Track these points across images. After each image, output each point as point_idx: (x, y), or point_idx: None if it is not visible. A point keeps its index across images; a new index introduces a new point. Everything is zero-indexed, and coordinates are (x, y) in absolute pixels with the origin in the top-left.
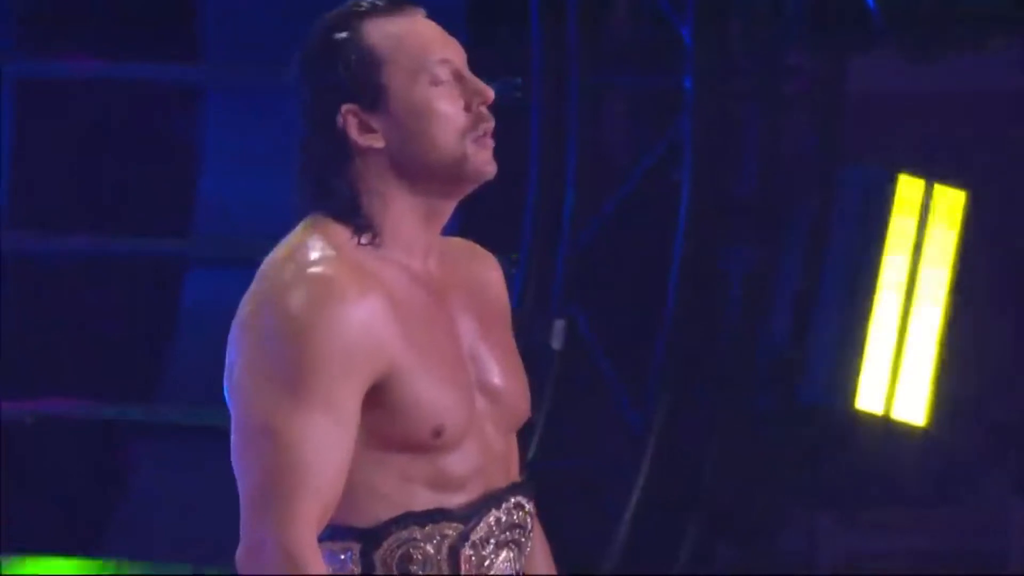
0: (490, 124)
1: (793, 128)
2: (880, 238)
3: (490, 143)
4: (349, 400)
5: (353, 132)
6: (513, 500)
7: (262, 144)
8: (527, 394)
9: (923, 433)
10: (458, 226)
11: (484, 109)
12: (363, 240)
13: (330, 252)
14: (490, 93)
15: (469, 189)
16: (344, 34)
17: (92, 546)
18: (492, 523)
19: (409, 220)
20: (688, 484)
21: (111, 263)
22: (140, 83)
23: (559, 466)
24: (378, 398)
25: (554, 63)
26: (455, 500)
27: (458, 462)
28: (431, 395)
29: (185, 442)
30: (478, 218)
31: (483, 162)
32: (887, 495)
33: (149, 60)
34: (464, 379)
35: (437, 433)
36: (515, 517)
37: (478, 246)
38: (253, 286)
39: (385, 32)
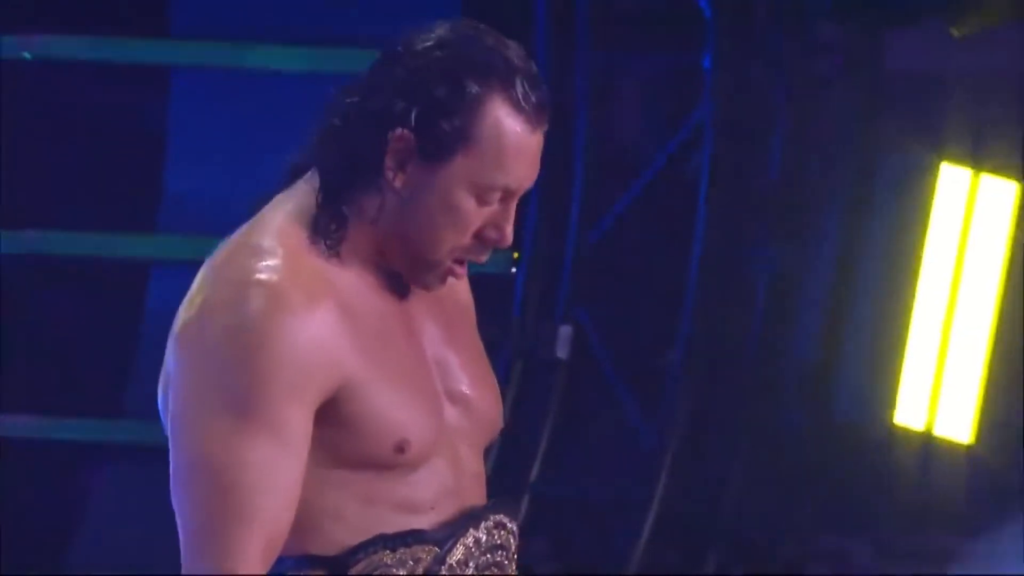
0: (481, 259)
1: (825, 112)
2: (921, 235)
3: (464, 269)
4: (297, 421)
5: (391, 154)
6: (493, 519)
7: (236, 131)
8: (499, 402)
9: (968, 452)
10: None
11: (491, 248)
12: (322, 245)
13: (279, 255)
14: (508, 242)
15: (418, 287)
16: (469, 85)
17: (51, 568)
18: (471, 544)
19: (369, 252)
20: (708, 509)
21: (68, 263)
22: (100, 62)
23: (564, 488)
24: (333, 413)
25: (558, 40)
26: (428, 521)
27: (427, 480)
28: (392, 408)
29: (151, 462)
30: None
31: (443, 280)
32: (928, 521)
33: (110, 34)
34: (429, 389)
35: (400, 448)
36: (496, 538)
37: None
38: (193, 289)
39: (498, 122)
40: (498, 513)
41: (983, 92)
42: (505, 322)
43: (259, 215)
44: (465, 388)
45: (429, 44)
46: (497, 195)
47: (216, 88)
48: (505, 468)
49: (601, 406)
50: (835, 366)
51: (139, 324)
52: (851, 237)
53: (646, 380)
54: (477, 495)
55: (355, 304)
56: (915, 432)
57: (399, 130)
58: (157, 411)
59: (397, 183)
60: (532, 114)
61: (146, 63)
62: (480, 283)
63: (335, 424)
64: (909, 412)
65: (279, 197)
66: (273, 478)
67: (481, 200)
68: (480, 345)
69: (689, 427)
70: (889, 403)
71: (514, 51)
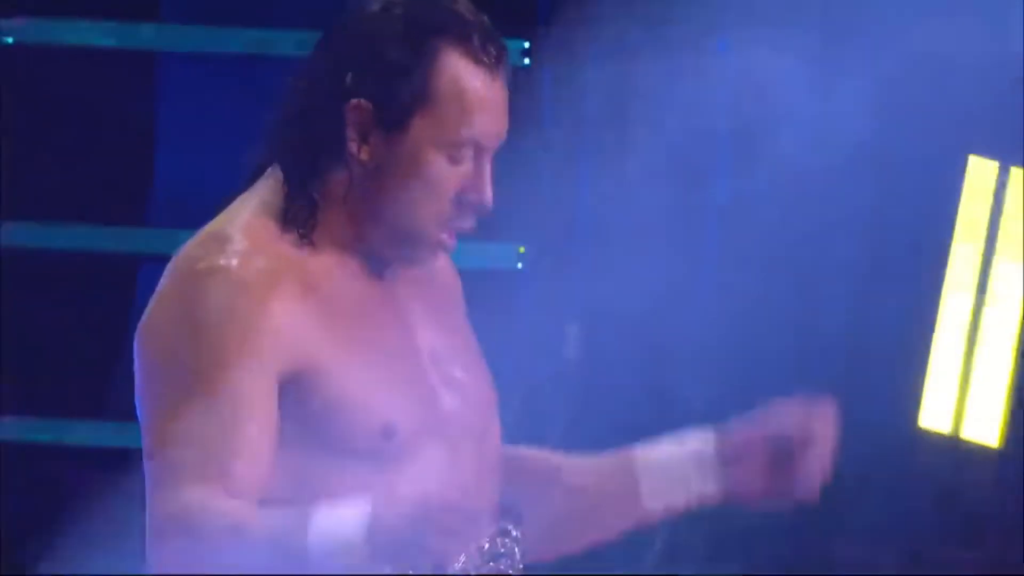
0: (466, 226)
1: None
2: (947, 230)
3: (452, 239)
4: (252, 382)
5: (351, 127)
6: (498, 525)
7: (228, 120)
8: (493, 390)
9: (997, 456)
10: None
11: (475, 210)
12: (295, 235)
13: (239, 243)
14: (489, 204)
15: (405, 264)
16: (422, 43)
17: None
18: (473, 552)
19: (346, 237)
20: (725, 512)
21: (52, 258)
22: (86, 47)
23: None
24: (310, 397)
25: (567, 20)
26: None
27: (425, 472)
28: (375, 392)
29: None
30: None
31: (439, 253)
32: (956, 529)
33: (97, 18)
34: (419, 375)
35: (387, 433)
36: (500, 546)
37: None
38: (160, 284)
39: (456, 76)
40: (503, 519)
41: (1009, 78)
42: (511, 320)
43: (225, 211)
44: (458, 373)
45: (375, 10)
46: (468, 152)
47: (208, 75)
48: None
49: (613, 411)
50: (859, 366)
51: (127, 322)
52: (874, 232)
53: (662, 382)
54: (485, 494)
55: (328, 290)
56: (942, 435)
57: (355, 101)
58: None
59: (363, 156)
60: (490, 64)
61: (134, 48)
62: (485, 279)
63: (316, 408)
64: (935, 415)
65: (243, 195)
66: (236, 436)
67: (452, 159)
68: (469, 330)
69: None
70: (915, 405)
71: (463, 4)
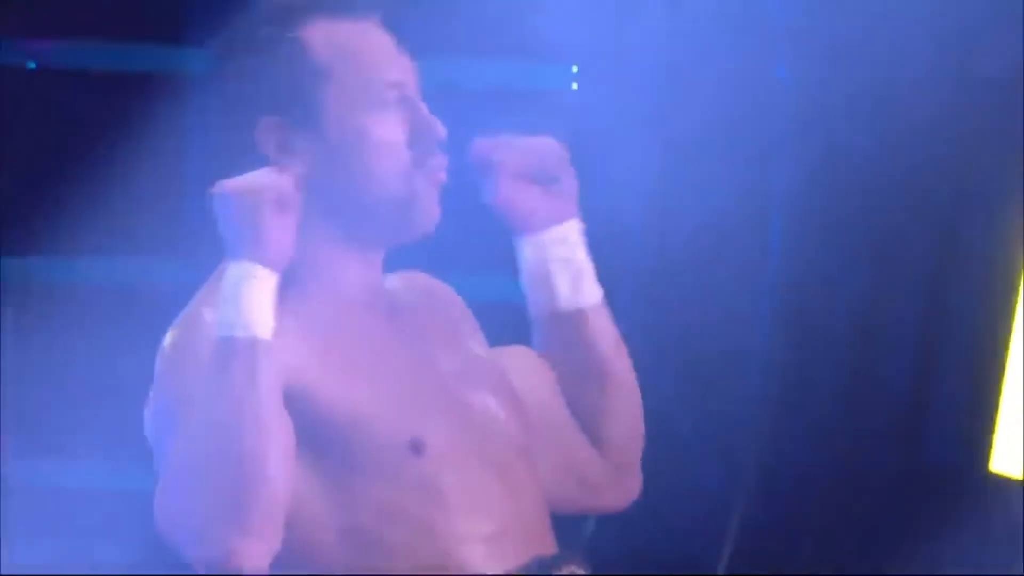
0: (442, 161)
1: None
2: (1018, 260)
3: (435, 191)
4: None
5: (270, 149)
6: (566, 569)
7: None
8: (525, 419)
9: None
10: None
11: (434, 145)
12: (271, 280)
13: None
14: (442, 129)
15: (406, 239)
16: (279, 30)
17: None
18: None
19: (331, 260)
20: (781, 560)
21: (77, 289)
22: (112, 71)
23: (628, 537)
24: (324, 417)
25: (619, 43)
26: (480, 554)
27: (464, 501)
28: (398, 407)
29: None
30: None
31: (430, 207)
32: None
33: (122, 41)
34: (442, 393)
35: (417, 448)
36: None
37: (424, 276)
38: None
39: (329, 38)
40: (570, 562)
41: None
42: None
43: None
44: (483, 395)
45: (229, 41)
46: (390, 97)
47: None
48: None
49: (657, 448)
50: (925, 405)
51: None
52: (943, 254)
53: (711, 419)
54: (519, 517)
55: (325, 331)
56: (1014, 480)
57: (260, 121)
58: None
59: (298, 166)
60: (348, 9)
61: (161, 72)
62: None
63: (335, 425)
64: (1007, 458)
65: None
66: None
67: (380, 111)
68: (496, 360)
69: (761, 472)
70: (986, 447)
71: None
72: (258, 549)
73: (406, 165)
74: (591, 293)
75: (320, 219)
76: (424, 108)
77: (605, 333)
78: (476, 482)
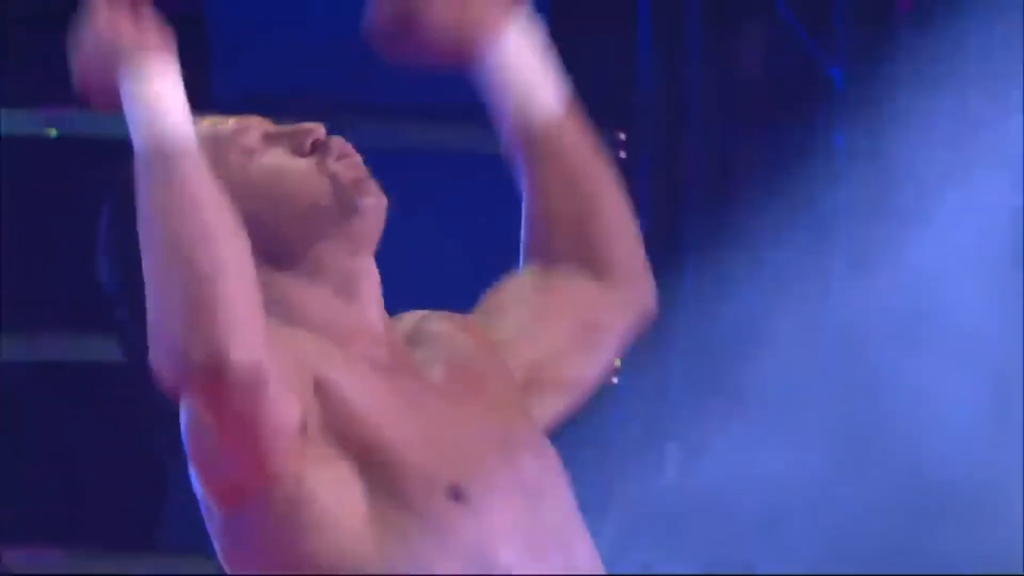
0: (343, 147)
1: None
2: None
3: (354, 164)
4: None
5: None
6: None
7: None
8: (555, 452)
9: None
10: None
11: (323, 140)
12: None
13: None
14: (318, 126)
15: (364, 227)
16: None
17: None
18: None
19: (318, 306)
20: None
21: (98, 369)
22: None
23: None
24: (352, 450)
25: (667, 111)
26: None
27: (487, 532)
28: (434, 447)
29: None
30: None
31: (356, 180)
32: None
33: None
34: (476, 434)
35: (456, 494)
36: None
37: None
38: None
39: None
40: None
41: None
42: (604, 438)
43: None
44: (514, 431)
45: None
46: (251, 139)
47: None
48: None
49: (721, 536)
50: (997, 489)
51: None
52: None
53: (769, 508)
54: (559, 559)
55: (339, 369)
56: None
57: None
58: (193, 544)
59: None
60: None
61: None
62: None
63: (362, 462)
64: None
65: None
66: None
67: (246, 150)
68: (519, 398)
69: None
70: None
71: None
72: (244, 339)
73: (309, 168)
74: (559, 92)
75: (278, 274)
76: (285, 126)
77: (583, 131)
78: (507, 518)
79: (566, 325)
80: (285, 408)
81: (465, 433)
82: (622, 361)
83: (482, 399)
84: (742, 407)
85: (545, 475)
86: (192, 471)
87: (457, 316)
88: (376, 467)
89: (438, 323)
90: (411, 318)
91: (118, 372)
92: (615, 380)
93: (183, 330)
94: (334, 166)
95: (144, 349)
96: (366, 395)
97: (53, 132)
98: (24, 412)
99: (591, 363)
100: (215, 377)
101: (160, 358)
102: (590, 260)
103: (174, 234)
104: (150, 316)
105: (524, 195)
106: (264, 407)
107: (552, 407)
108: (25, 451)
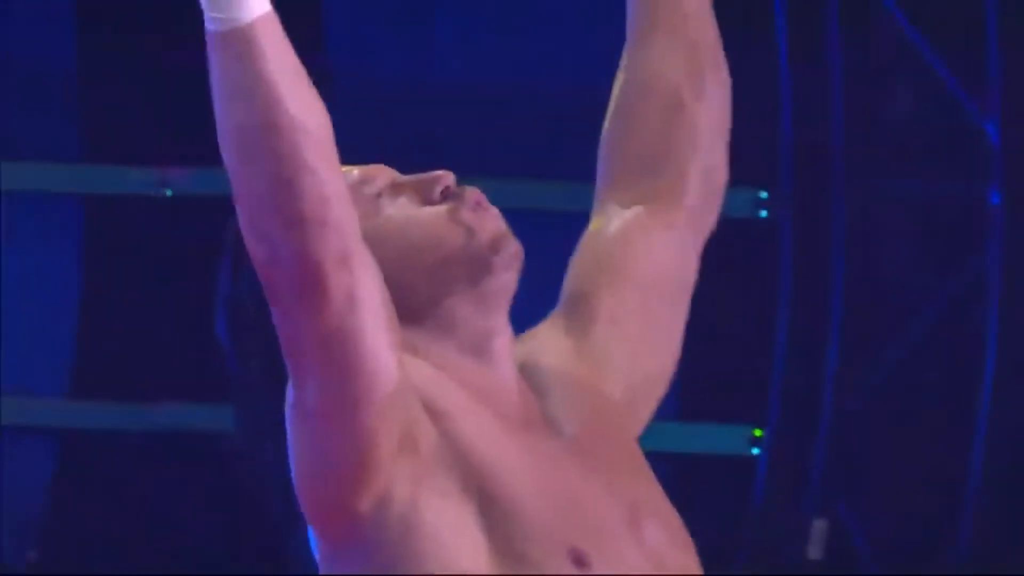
0: (477, 197)
1: None
2: None
3: (492, 217)
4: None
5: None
6: None
7: None
8: (682, 523)
9: None
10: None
11: (454, 189)
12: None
13: None
14: (447, 173)
15: (499, 286)
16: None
17: None
18: None
19: (448, 363)
20: None
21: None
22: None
23: None
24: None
25: (811, 167)
26: None
27: None
28: (550, 508)
29: None
30: (708, 382)
31: (493, 230)
32: None
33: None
34: (606, 511)
35: (580, 560)
36: None
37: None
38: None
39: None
40: None
41: None
42: (743, 514)
43: None
44: (642, 494)
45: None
46: (373, 187)
47: None
48: None
49: None
50: None
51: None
52: None
53: None
54: None
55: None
56: None
57: None
58: None
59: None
60: None
61: None
62: (714, 466)
63: (483, 508)
64: None
65: None
66: None
67: (377, 194)
68: (639, 452)
69: None
70: None
71: None
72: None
73: (439, 218)
74: None
75: (414, 334)
76: (412, 176)
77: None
78: None
79: (654, 304)
80: (383, 350)
81: (593, 497)
82: None
83: (611, 461)
84: None
85: (671, 549)
86: (299, 494)
87: (560, 342)
88: (498, 515)
89: (546, 357)
90: (522, 348)
91: (229, 441)
92: (755, 451)
93: (276, 218)
94: (468, 217)
95: (256, 406)
96: (493, 444)
97: (168, 192)
98: (137, 481)
99: (678, 320)
100: (309, 260)
101: (257, 256)
102: (663, 169)
103: (260, 111)
104: (242, 218)
105: (617, 87)
106: (359, 330)
107: (660, 391)
108: (137, 522)
